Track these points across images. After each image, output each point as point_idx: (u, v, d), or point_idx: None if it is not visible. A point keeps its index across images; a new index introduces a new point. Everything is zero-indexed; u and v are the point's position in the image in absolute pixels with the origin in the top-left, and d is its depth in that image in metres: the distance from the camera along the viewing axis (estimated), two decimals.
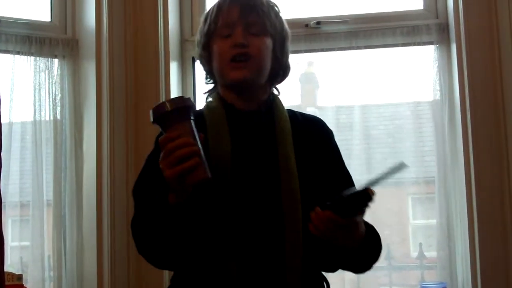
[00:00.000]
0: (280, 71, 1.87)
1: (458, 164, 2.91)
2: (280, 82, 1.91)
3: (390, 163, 3.07)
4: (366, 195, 1.57)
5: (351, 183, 1.89)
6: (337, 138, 3.02)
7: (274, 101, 1.85)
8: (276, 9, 1.84)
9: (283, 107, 1.85)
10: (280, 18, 1.84)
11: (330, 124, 3.03)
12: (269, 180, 1.70)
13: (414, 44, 3.04)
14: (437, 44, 3.02)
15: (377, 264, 3.01)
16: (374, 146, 3.12)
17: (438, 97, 3.03)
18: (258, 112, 1.80)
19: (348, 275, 3.01)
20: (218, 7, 1.79)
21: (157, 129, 1.64)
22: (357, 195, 1.58)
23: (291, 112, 1.88)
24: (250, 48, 1.73)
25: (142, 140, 2.98)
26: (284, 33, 1.85)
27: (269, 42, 1.78)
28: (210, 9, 1.85)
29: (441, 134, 2.98)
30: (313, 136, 1.87)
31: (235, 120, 1.78)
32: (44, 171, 3.06)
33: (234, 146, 1.71)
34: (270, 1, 1.84)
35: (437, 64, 3.02)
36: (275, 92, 1.90)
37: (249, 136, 1.76)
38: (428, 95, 3.07)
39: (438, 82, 3.01)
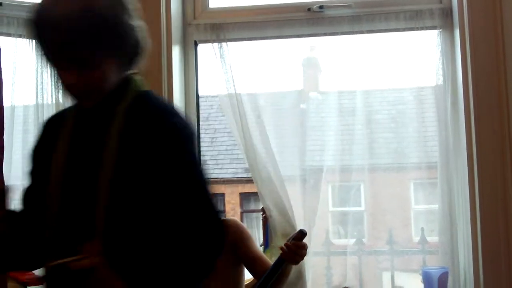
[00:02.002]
0: (127, 58, 1.62)
1: (460, 149, 2.90)
2: (134, 61, 1.67)
3: (392, 148, 3.12)
4: None
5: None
6: (340, 123, 3.07)
7: (122, 89, 1.61)
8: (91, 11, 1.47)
9: (129, 97, 1.62)
10: (101, 16, 1.48)
11: (333, 109, 3.08)
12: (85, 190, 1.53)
13: (417, 28, 3.02)
14: (440, 29, 3.01)
15: (379, 248, 3.06)
16: (377, 131, 3.12)
17: (441, 82, 3.01)
18: (100, 106, 1.58)
19: (350, 260, 3.02)
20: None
21: None
22: None
23: (138, 102, 1.62)
24: (84, 84, 1.50)
25: None
26: (113, 23, 1.51)
27: (103, 68, 1.52)
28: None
29: (444, 119, 2.97)
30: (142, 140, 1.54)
31: (81, 119, 1.62)
32: None
33: (72, 149, 1.58)
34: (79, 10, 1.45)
35: (440, 49, 3.01)
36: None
37: (87, 137, 1.59)
38: (431, 80, 3.06)
39: (441, 67, 3.00)
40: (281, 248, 1.82)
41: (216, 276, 1.90)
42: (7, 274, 2.54)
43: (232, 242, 2.05)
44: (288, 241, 1.80)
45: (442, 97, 3.01)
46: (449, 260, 2.88)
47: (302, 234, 1.72)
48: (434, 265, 2.93)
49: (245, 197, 6.53)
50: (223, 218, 1.77)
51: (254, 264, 2.05)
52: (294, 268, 2.79)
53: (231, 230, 2.01)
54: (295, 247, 1.81)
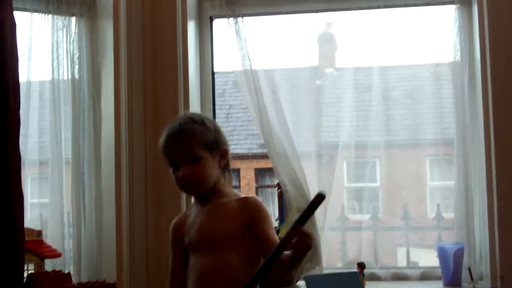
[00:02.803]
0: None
1: (477, 125, 2.89)
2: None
3: (408, 124, 3.10)
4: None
5: None
6: (356, 99, 3.06)
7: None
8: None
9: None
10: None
11: (349, 86, 3.07)
12: None
13: (434, 4, 3.00)
14: (458, 4, 2.98)
15: (395, 224, 3.07)
16: (393, 108, 3.11)
17: (458, 58, 2.99)
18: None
19: (365, 235, 3.03)
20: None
21: None
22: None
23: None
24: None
25: (160, 97, 3.00)
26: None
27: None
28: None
29: (461, 95, 2.96)
30: None
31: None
32: (62, 129, 3.07)
33: None
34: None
35: (457, 25, 2.98)
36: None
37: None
38: (448, 56, 3.04)
39: (458, 43, 2.98)
40: (282, 238, 1.82)
41: (235, 252, 1.99)
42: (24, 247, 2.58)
43: (249, 219, 2.06)
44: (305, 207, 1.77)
45: (459, 73, 2.99)
46: (465, 235, 2.88)
47: (320, 197, 1.69)
48: (450, 241, 2.93)
49: (260, 173, 6.53)
50: (244, 195, 2.10)
51: (264, 245, 2.05)
52: None
53: (250, 207, 2.02)
54: (295, 236, 1.79)
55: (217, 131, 2.15)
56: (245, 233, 2.03)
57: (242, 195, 2.17)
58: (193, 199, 2.26)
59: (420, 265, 3.08)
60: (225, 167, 2.16)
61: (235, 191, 2.19)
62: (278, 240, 2.00)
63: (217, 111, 3.27)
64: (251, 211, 2.06)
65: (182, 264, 2.13)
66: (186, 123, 2.10)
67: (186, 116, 2.19)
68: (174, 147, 2.06)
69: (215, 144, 2.11)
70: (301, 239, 1.74)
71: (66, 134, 3.09)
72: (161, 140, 2.10)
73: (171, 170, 2.09)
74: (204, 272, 2.03)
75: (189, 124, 2.09)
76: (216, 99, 3.30)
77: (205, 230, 2.04)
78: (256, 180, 7.93)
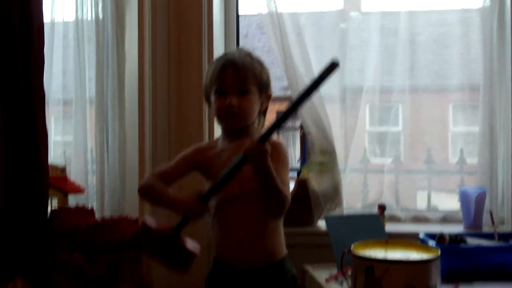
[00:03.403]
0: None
1: (505, 72, 2.86)
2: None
3: (433, 69, 3.07)
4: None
5: None
6: (381, 44, 3.03)
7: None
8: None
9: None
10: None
11: (374, 30, 3.04)
12: None
13: None
14: None
15: (416, 167, 3.06)
16: (419, 52, 3.07)
17: (487, 3, 2.94)
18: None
19: (387, 178, 3.03)
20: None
21: None
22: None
23: None
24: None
25: (184, 38, 2.98)
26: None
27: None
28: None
29: (489, 41, 2.91)
30: None
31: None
32: (86, 69, 3.08)
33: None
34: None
35: None
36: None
37: None
38: (477, 1, 2.98)
39: None
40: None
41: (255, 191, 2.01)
42: (48, 182, 2.61)
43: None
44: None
45: (488, 19, 2.94)
46: (488, 180, 2.88)
47: (333, 65, 1.69)
48: (472, 185, 2.92)
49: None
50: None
51: None
52: (331, 183, 2.82)
53: (271, 149, 2.04)
54: (258, 147, 1.86)
55: (268, 75, 2.20)
56: None
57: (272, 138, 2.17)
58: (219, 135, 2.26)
59: (441, 209, 3.08)
60: (263, 112, 2.20)
61: None
62: (286, 182, 2.03)
63: None
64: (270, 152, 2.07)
65: (176, 177, 2.17)
66: (246, 56, 2.15)
67: (245, 51, 2.21)
68: (229, 74, 2.08)
69: (265, 86, 2.15)
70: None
71: (90, 73, 3.10)
72: (215, 65, 2.14)
73: (214, 97, 2.11)
74: (224, 203, 2.08)
75: (249, 58, 2.14)
76: (240, 41, 3.28)
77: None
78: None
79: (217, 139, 2.26)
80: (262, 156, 1.89)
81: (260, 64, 2.16)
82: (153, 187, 2.13)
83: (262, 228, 2.08)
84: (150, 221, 2.12)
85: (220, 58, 2.16)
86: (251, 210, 2.05)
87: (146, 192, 2.18)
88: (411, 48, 3.06)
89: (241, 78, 2.08)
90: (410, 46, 3.05)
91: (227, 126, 2.16)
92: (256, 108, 2.13)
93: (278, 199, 1.98)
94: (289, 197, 2.02)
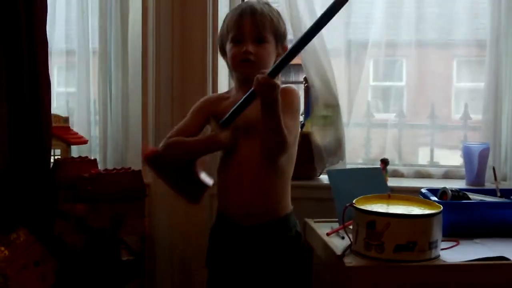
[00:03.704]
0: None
1: None
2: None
3: (439, 24, 3.03)
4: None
5: None
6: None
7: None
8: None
9: None
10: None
11: None
12: None
13: None
14: None
15: (420, 122, 3.05)
16: (425, 6, 3.02)
17: None
18: None
19: (390, 133, 3.02)
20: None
21: None
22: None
23: None
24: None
25: None
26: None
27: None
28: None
29: None
30: None
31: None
32: (89, 19, 3.05)
33: None
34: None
35: None
36: None
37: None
38: None
39: None
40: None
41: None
42: (51, 132, 2.61)
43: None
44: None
45: None
46: (491, 136, 2.87)
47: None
48: (475, 141, 2.91)
49: (285, 68, 6.47)
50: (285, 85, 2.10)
51: None
52: (334, 137, 2.81)
53: (282, 94, 2.02)
54: (267, 81, 1.84)
55: (285, 27, 2.18)
56: None
57: (285, 85, 2.15)
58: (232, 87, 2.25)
59: (443, 164, 3.08)
60: None
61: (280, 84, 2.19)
62: (292, 129, 2.02)
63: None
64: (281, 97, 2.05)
65: (193, 130, 2.13)
66: (265, 5, 2.13)
67: (264, 2, 2.18)
68: (247, 22, 2.06)
69: (282, 36, 2.14)
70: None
71: (93, 23, 3.07)
72: (232, 13, 2.12)
73: (230, 45, 2.09)
74: (241, 155, 2.06)
75: (268, 8, 2.13)
76: None
77: (243, 119, 2.03)
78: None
79: (230, 90, 2.24)
80: (272, 91, 1.86)
81: (278, 13, 2.15)
82: (173, 144, 2.09)
83: (271, 184, 2.06)
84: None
85: (238, 6, 2.13)
86: (260, 164, 2.03)
87: (169, 153, 2.11)
88: (417, 2, 3.02)
89: (259, 24, 2.06)
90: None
91: (242, 75, 2.12)
92: (272, 58, 2.10)
93: (278, 140, 1.94)
94: (290, 143, 1.99)
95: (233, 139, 2.04)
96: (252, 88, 1.89)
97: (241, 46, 2.05)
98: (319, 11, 2.83)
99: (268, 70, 1.87)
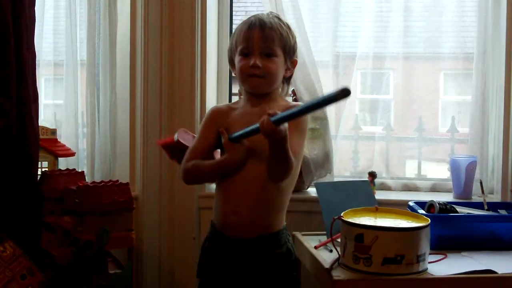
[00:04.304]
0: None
1: (500, 39, 2.83)
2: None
3: (426, 37, 3.05)
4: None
5: None
6: (374, 10, 3.00)
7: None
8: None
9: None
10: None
11: None
12: None
13: None
14: None
15: (407, 135, 3.07)
16: (412, 19, 3.04)
17: None
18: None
19: (378, 146, 3.03)
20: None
21: None
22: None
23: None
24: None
25: None
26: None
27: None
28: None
29: (484, 7, 2.88)
30: None
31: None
32: (78, 30, 3.04)
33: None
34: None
35: None
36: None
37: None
38: None
39: None
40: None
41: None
42: (38, 144, 2.60)
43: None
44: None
45: None
46: (478, 150, 2.88)
47: (344, 92, 1.63)
48: (463, 154, 2.92)
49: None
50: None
51: None
52: (322, 150, 2.81)
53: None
54: (270, 127, 1.81)
55: (295, 41, 2.17)
56: None
57: (295, 103, 2.19)
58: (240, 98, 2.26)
59: (430, 177, 3.09)
60: (287, 79, 2.17)
61: (288, 101, 2.21)
62: (299, 151, 2.01)
63: (234, 16, 3.22)
64: None
65: (206, 151, 2.13)
66: (275, 18, 2.12)
67: (274, 14, 2.19)
68: (255, 35, 2.06)
69: (292, 50, 2.13)
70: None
71: (81, 35, 3.06)
72: (242, 25, 2.11)
73: (239, 58, 2.09)
74: (245, 173, 2.04)
75: (277, 21, 2.11)
76: (234, 3, 3.23)
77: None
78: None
79: (237, 101, 2.24)
80: (276, 136, 1.83)
81: (288, 27, 2.14)
82: (192, 170, 2.11)
83: (271, 201, 2.06)
84: (185, 138, 2.23)
85: (248, 19, 2.12)
86: (263, 183, 2.02)
87: (190, 179, 2.16)
88: (405, 15, 3.03)
89: (267, 38, 2.05)
90: (403, 12, 3.02)
91: (250, 89, 2.12)
92: (281, 72, 2.10)
93: (285, 168, 1.95)
94: (295, 165, 2.00)
95: (245, 157, 2.03)
96: (257, 125, 1.87)
97: (249, 59, 2.05)
98: (307, 25, 2.88)
99: (273, 113, 1.81)
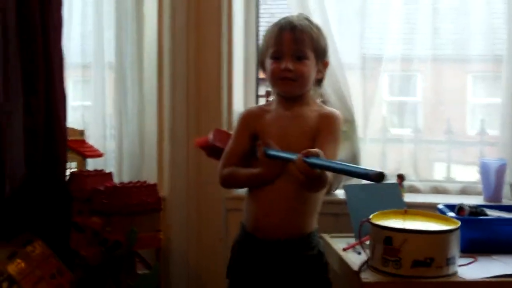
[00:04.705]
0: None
1: None
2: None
3: (455, 39, 3.02)
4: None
5: None
6: (401, 11, 2.99)
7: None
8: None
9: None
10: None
11: None
12: None
13: None
14: None
15: (436, 137, 3.04)
16: (441, 21, 3.02)
17: None
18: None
19: (406, 148, 3.01)
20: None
21: None
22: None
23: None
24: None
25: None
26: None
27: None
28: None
29: None
30: None
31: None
32: (105, 32, 3.06)
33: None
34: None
35: None
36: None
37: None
38: None
39: None
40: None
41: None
42: (66, 145, 2.62)
43: (318, 130, 2.05)
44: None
45: None
46: (508, 152, 2.84)
47: (379, 176, 1.64)
48: (492, 158, 2.89)
49: None
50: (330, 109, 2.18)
51: None
52: (350, 152, 2.80)
53: (324, 119, 2.03)
54: (304, 169, 1.80)
55: (326, 42, 2.16)
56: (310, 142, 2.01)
57: (329, 108, 2.15)
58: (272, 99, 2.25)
59: (459, 180, 3.06)
60: (319, 80, 2.16)
61: (323, 104, 2.18)
62: (335, 159, 2.00)
63: (260, 19, 3.22)
64: (323, 122, 2.05)
65: (241, 156, 2.13)
66: (305, 20, 2.11)
67: (304, 15, 2.18)
68: (287, 37, 2.04)
69: (323, 52, 2.12)
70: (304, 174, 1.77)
71: (109, 37, 3.08)
72: (272, 28, 2.10)
73: (270, 61, 2.08)
74: (278, 182, 2.04)
75: (308, 23, 2.10)
76: (259, 7, 3.23)
77: (281, 138, 2.04)
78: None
79: (270, 103, 2.23)
80: (310, 177, 1.80)
81: (318, 29, 2.13)
82: (229, 178, 2.13)
83: (302, 208, 2.06)
84: (220, 137, 2.28)
85: (278, 21, 2.11)
86: (296, 192, 2.01)
87: (226, 185, 2.21)
88: (433, 16, 3.01)
89: (298, 41, 2.04)
90: (431, 13, 3.00)
91: (282, 92, 2.12)
92: (312, 75, 2.09)
93: (322, 187, 1.97)
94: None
95: (280, 172, 2.01)
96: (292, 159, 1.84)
97: (281, 63, 2.04)
98: (334, 26, 2.87)
99: (307, 153, 1.78)
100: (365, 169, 1.65)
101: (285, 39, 2.05)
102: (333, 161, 1.84)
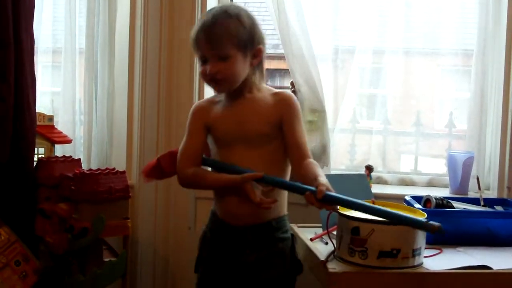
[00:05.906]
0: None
1: (500, 36, 2.84)
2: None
3: (426, 31, 3.04)
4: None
5: None
6: (374, 4, 3.00)
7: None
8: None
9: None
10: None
11: None
12: None
13: None
14: None
15: (405, 130, 3.07)
16: (412, 14, 3.04)
17: None
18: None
19: (375, 140, 3.04)
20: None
21: None
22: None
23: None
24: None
25: None
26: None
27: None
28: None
29: (485, 3, 2.89)
30: None
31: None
32: (77, 18, 3.03)
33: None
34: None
35: None
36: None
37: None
38: None
39: None
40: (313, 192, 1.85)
41: (267, 148, 2.01)
42: (35, 130, 2.59)
43: (280, 116, 2.03)
44: None
45: None
46: (476, 146, 2.89)
47: (435, 229, 1.82)
48: (460, 150, 2.93)
49: (271, 73, 6.43)
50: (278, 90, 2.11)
51: (289, 149, 2.03)
52: (319, 143, 2.82)
53: (282, 103, 2.01)
54: (320, 205, 1.86)
55: (253, 28, 2.02)
56: (276, 130, 2.01)
57: (279, 90, 2.11)
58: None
59: (427, 172, 3.09)
60: (257, 65, 2.08)
61: (268, 86, 2.14)
62: (304, 143, 2.01)
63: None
64: (283, 107, 2.02)
65: (200, 150, 2.09)
66: (219, 17, 1.98)
67: (222, 8, 2.03)
68: (203, 42, 1.97)
69: (249, 42, 2.00)
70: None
71: (80, 22, 3.05)
72: (192, 32, 2.01)
73: (199, 63, 2.03)
74: (242, 165, 2.01)
75: (223, 19, 1.98)
76: None
77: (237, 126, 2.01)
78: (266, 81, 7.95)
79: (218, 94, 2.16)
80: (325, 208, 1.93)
81: (239, 20, 1.99)
82: (193, 180, 2.08)
83: (272, 189, 2.01)
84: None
85: (198, 21, 2.03)
86: (264, 166, 1.99)
87: (189, 186, 2.14)
88: (405, 10, 3.03)
89: (214, 42, 1.96)
90: (404, 7, 3.02)
91: (216, 92, 2.10)
92: (242, 68, 2.00)
93: None
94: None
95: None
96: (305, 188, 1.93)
97: (206, 66, 1.99)
98: (308, 18, 2.87)
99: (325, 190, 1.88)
100: (422, 221, 1.83)
101: (201, 44, 1.98)
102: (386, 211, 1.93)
